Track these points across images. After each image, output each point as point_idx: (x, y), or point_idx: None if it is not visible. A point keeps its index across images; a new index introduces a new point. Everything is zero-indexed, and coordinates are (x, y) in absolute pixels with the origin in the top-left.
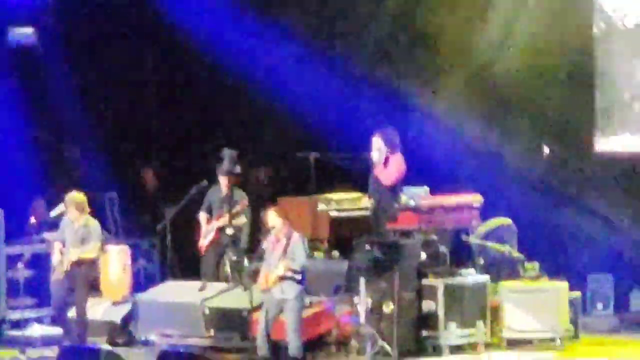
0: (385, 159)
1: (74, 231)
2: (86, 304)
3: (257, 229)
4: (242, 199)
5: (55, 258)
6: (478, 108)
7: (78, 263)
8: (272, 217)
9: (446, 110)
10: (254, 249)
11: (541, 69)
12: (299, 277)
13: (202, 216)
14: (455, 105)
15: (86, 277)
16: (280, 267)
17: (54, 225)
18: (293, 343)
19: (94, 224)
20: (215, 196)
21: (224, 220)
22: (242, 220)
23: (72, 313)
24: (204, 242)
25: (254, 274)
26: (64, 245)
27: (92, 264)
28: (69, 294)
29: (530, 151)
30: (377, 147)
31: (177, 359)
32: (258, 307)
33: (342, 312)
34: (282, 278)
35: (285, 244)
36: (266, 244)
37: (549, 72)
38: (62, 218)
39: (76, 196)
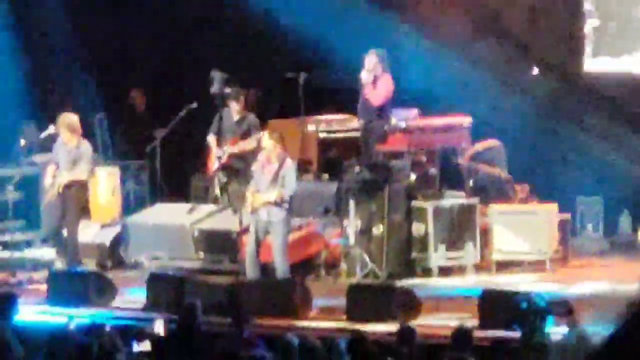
0: (374, 79)
1: (66, 152)
2: (77, 227)
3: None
4: (256, 128)
5: (46, 181)
6: (467, 31)
7: (69, 185)
8: (265, 139)
9: (437, 33)
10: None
11: None
12: (286, 205)
13: (212, 138)
14: (445, 28)
15: (77, 200)
16: (273, 194)
17: (43, 147)
18: (280, 266)
19: (86, 146)
20: (226, 120)
21: (238, 146)
22: (253, 144)
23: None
24: (213, 165)
25: (244, 196)
26: (57, 168)
27: (84, 187)
28: (62, 217)
29: (519, 73)
30: (368, 66)
31: (167, 281)
32: (248, 229)
33: (332, 234)
34: (271, 203)
35: (277, 169)
36: (255, 166)
37: None
38: (57, 139)
39: (68, 117)
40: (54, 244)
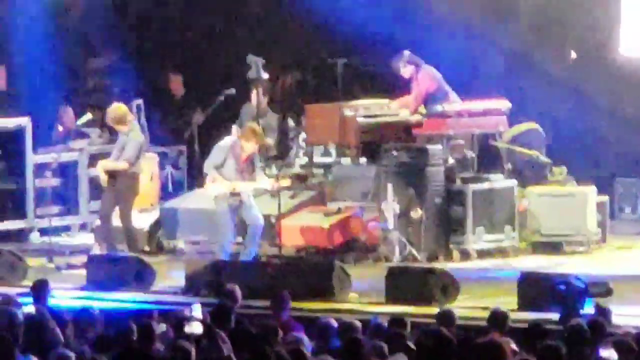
0: (411, 81)
1: (119, 141)
2: (130, 215)
3: (285, 136)
4: (272, 120)
5: (98, 165)
6: (507, 14)
7: (117, 175)
8: (252, 145)
9: (475, 17)
10: (283, 156)
11: None
12: None
13: (234, 129)
14: (483, 12)
15: (125, 189)
16: (267, 183)
17: (81, 133)
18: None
19: (135, 136)
20: (248, 113)
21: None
22: (269, 142)
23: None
24: None
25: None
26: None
27: (133, 175)
28: (113, 206)
29: (557, 56)
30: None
31: (206, 266)
32: (285, 214)
33: (370, 218)
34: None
35: (252, 159)
36: (231, 161)
37: None
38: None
39: (111, 110)
40: (99, 230)
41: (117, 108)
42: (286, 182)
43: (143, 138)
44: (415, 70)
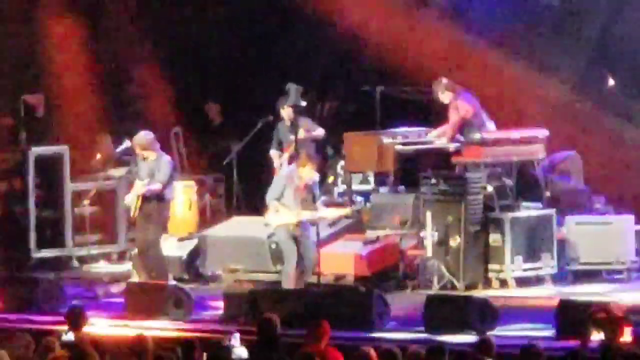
0: (448, 108)
1: (146, 166)
2: (159, 241)
3: (324, 163)
4: (305, 123)
5: (128, 197)
6: (544, 41)
7: (148, 199)
8: (308, 171)
9: (512, 43)
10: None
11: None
12: None
13: (274, 153)
14: (521, 39)
15: (156, 215)
16: (328, 212)
17: (119, 161)
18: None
19: (165, 159)
20: (282, 130)
21: (292, 148)
22: (320, 132)
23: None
24: None
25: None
26: None
27: (163, 201)
28: (144, 232)
29: (595, 82)
30: (439, 100)
31: (244, 294)
32: (324, 242)
33: (409, 246)
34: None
35: (308, 187)
36: (291, 187)
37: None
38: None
39: (137, 138)
40: (139, 259)
41: (145, 135)
42: (347, 212)
43: (174, 163)
44: (454, 97)
